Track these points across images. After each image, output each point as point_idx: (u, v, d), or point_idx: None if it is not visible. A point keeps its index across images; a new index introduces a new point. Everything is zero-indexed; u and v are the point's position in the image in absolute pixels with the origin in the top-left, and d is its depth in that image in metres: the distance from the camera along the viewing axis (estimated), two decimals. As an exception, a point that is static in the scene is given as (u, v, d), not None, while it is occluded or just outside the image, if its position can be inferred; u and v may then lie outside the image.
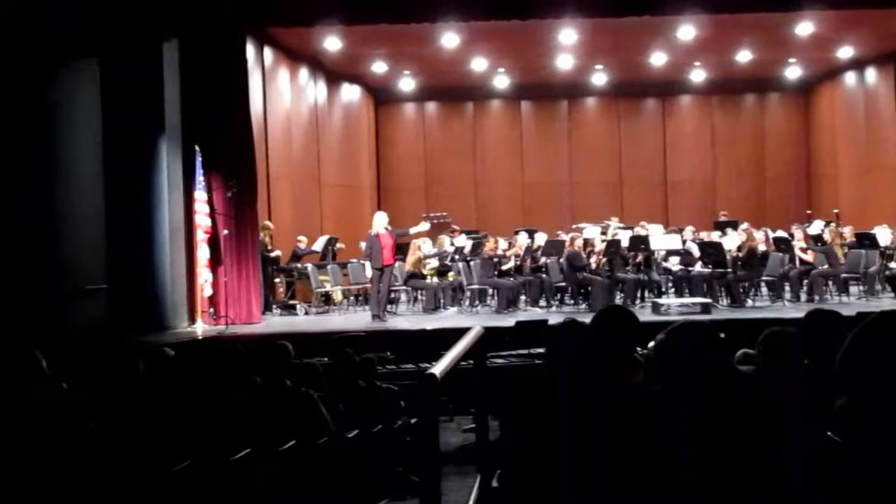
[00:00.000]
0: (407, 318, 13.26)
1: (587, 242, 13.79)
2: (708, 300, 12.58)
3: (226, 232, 12.59)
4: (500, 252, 14.07)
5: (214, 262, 12.52)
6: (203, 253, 12.28)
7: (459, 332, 4.50)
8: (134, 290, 11.54)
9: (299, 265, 14.53)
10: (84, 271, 10.79)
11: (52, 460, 4.25)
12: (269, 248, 14.32)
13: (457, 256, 14.43)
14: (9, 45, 9.68)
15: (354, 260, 15.22)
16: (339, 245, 15.61)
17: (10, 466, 4.13)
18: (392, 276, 12.88)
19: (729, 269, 13.12)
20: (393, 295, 14.12)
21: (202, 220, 12.26)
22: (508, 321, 11.03)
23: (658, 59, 17.75)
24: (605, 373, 3.25)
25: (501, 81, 20.09)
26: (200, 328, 12.01)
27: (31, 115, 10.06)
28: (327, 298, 14.60)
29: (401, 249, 14.91)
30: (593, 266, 13.37)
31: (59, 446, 4.36)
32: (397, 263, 14.49)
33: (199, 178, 12.23)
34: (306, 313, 14.01)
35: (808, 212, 18.54)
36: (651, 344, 4.83)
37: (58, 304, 10.21)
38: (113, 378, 5.70)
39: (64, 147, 10.71)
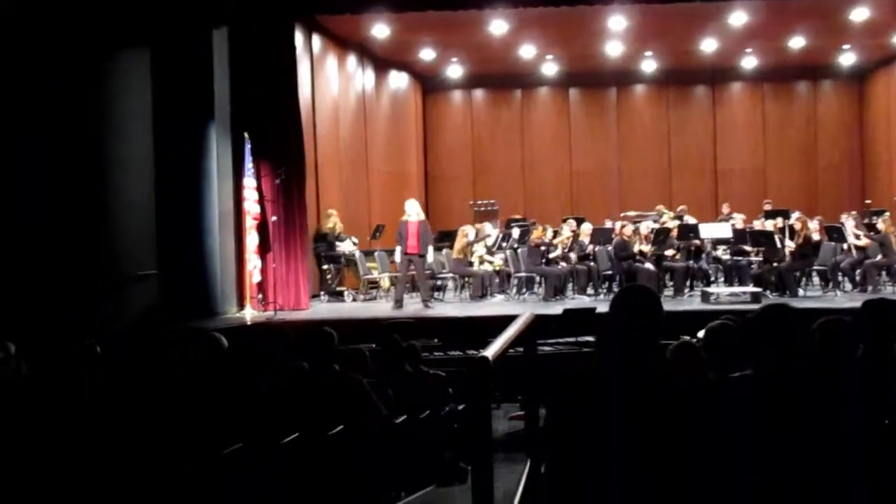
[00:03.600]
0: (454, 305, 13.24)
1: (636, 231, 13.66)
2: (758, 289, 12.41)
3: (274, 218, 12.66)
4: (547, 240, 14.00)
5: (263, 249, 12.60)
6: (252, 239, 12.36)
7: (506, 320, 4.47)
8: (184, 276, 11.64)
9: (347, 251, 14.57)
10: (135, 257, 10.92)
11: (106, 444, 4.31)
12: (339, 234, 14.59)
13: (504, 244, 14.38)
14: (61, 35, 9.81)
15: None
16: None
17: (64, 450, 4.19)
18: (423, 266, 12.76)
19: (780, 259, 12.93)
20: (439, 282, 14.13)
21: (251, 206, 12.34)
22: (556, 309, 10.98)
23: (709, 45, 17.51)
24: (647, 359, 3.20)
25: (550, 68, 19.95)
26: (249, 314, 12.10)
27: (84, 104, 10.18)
28: (374, 285, 14.60)
29: (448, 237, 14.92)
30: (641, 254, 13.24)
31: (113, 429, 4.42)
32: (444, 251, 14.51)
33: (248, 165, 12.30)
34: (354, 300, 14.04)
35: (868, 201, 18.15)
36: (701, 333, 4.76)
37: (110, 290, 10.35)
38: (164, 363, 5.77)
39: (115, 134, 10.83)
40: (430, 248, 12.71)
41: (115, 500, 4.04)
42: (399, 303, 12.64)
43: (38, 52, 9.62)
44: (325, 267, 14.58)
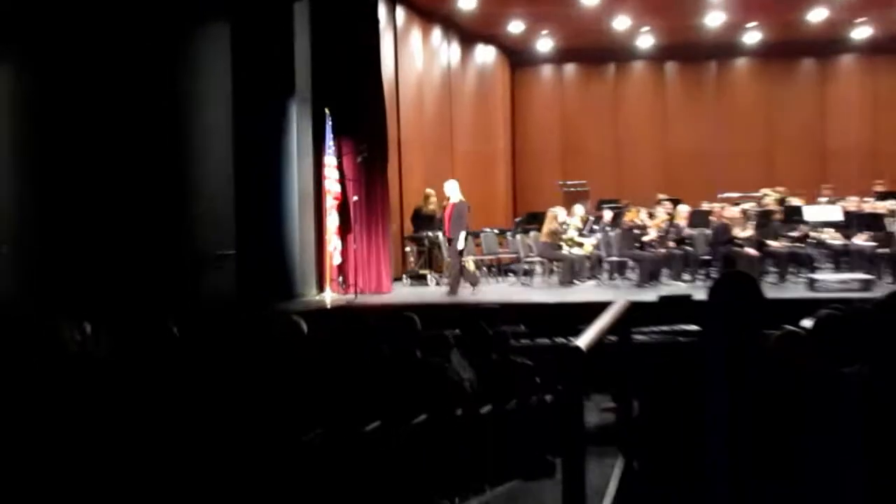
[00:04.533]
0: (542, 290, 13.17)
1: (739, 213, 13.39)
2: (870, 276, 12.05)
3: (356, 198, 12.74)
4: (641, 222, 13.82)
5: (344, 230, 12.71)
6: (332, 220, 12.48)
7: (597, 307, 4.40)
8: (263, 256, 11.79)
9: (430, 234, 14.60)
10: (214, 237, 11.08)
11: (183, 427, 4.38)
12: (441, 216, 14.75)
13: (595, 227, 14.24)
14: (140, 10, 9.97)
15: (488, 229, 15.21)
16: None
17: (140, 433, 4.27)
18: (452, 251, 12.63)
19: (891, 244, 12.53)
20: (527, 266, 14.08)
21: (332, 185, 12.44)
22: (650, 295, 10.85)
23: (817, 15, 17.02)
24: (750, 349, 3.12)
25: (645, 41, 19.64)
26: (329, 297, 12.24)
27: (162, 80, 10.35)
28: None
29: (536, 219, 14.85)
30: (741, 238, 12.97)
31: (190, 413, 4.49)
32: (532, 234, 14.44)
33: (329, 142, 12.40)
34: (437, 284, 14.08)
35: None
36: (807, 322, 4.63)
37: (188, 270, 10.52)
38: (243, 347, 5.84)
39: (194, 111, 10.98)
40: (462, 234, 12.41)
41: (195, 484, 4.11)
42: (452, 290, 12.62)
43: (115, 28, 9.80)
44: (407, 249, 14.64)
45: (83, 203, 9.61)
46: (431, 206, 14.71)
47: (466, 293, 13.05)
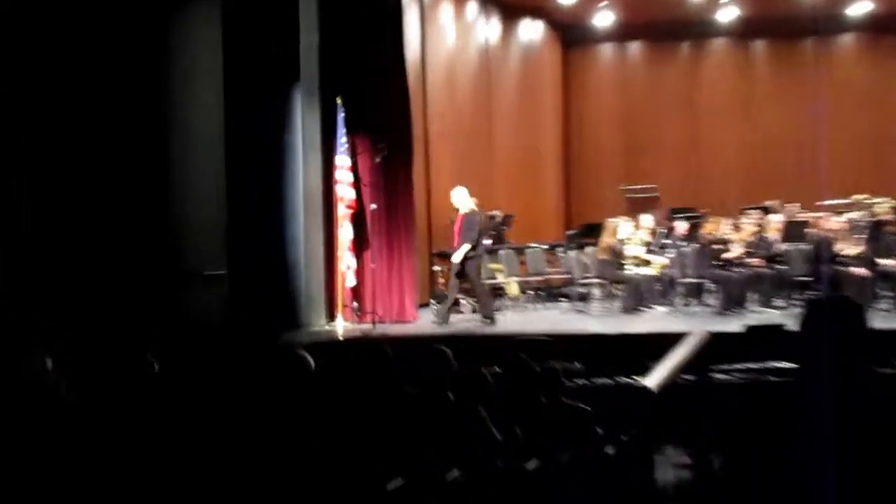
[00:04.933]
0: (601, 319, 13.11)
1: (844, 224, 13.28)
2: None
3: (374, 206, 12.78)
4: (722, 236, 13.74)
5: (359, 245, 12.76)
6: (346, 232, 12.52)
7: (669, 339, 4.38)
8: (260, 277, 11.83)
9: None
10: (201, 254, 11.16)
11: (163, 483, 4.39)
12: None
13: (666, 241, 14.18)
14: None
15: (535, 244, 15.22)
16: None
17: (110, 489, 4.29)
18: (454, 270, 12.62)
19: None
20: (583, 289, 14.03)
21: (345, 191, 12.49)
22: (734, 325, 10.80)
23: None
24: (860, 393, 3.09)
25: (728, 14, 19.58)
26: (341, 327, 12.29)
27: (142, 68, 10.44)
28: (499, 292, 14.63)
29: (592, 231, 14.81)
30: (848, 255, 12.86)
31: (169, 466, 4.50)
32: (588, 249, 14.39)
33: (342, 139, 12.47)
34: (473, 311, 14.05)
35: None
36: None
37: (170, 293, 10.58)
38: (237, 387, 5.85)
39: (180, 104, 11.06)
40: (463, 248, 12.39)
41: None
42: (491, 318, 12.60)
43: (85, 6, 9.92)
44: (435, 268, 14.66)
45: (43, 212, 9.69)
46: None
47: (511, 320, 13.03)
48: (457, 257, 12.37)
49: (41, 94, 9.75)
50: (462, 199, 12.67)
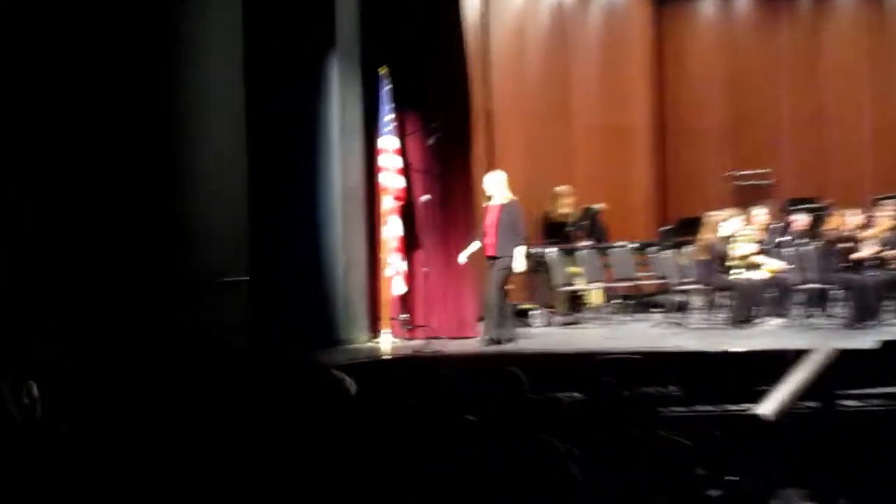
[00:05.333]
0: (702, 333, 12.96)
1: None
2: None
3: (426, 197, 12.75)
4: (851, 232, 13.52)
5: (409, 244, 12.77)
6: (392, 230, 12.54)
7: (787, 357, 4.21)
8: (289, 285, 11.88)
9: (535, 249, 14.51)
10: (217, 257, 11.05)
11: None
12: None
13: (782, 238, 13.99)
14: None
15: (622, 243, 15.21)
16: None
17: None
18: (498, 277, 12.36)
19: None
20: (680, 298, 13.86)
21: (391, 179, 12.51)
22: (866, 340, 10.64)
23: None
24: None
25: (856, -38, 19.36)
26: (388, 343, 12.33)
27: (147, 36, 10.38)
28: (578, 301, 14.60)
29: (690, 226, 14.63)
30: None
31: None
32: (687, 249, 14.20)
33: (387, 117, 12.48)
34: (547, 324, 13.98)
35: None
36: None
37: (181, 304, 10.50)
38: (261, 418, 5.80)
39: (191, 77, 10.98)
40: (518, 251, 12.21)
41: None
42: (493, 340, 12.36)
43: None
44: None
45: (31, 208, 9.67)
46: (565, 209, 14.95)
47: (594, 336, 12.95)
48: (518, 264, 12.24)
49: (35, 69, 9.74)
50: (499, 187, 12.47)
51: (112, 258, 9.94)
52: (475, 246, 12.46)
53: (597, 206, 15.92)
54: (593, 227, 15.66)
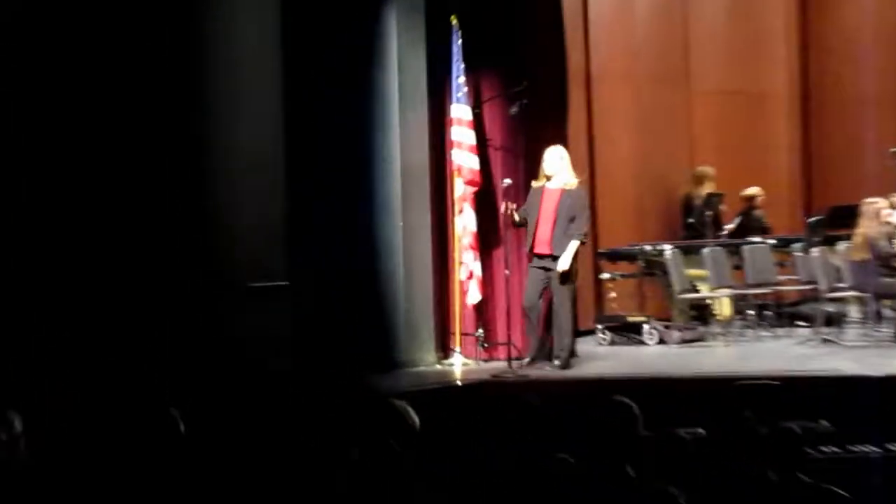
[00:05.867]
0: (859, 352, 12.88)
1: None
2: None
3: (508, 181, 12.68)
4: None
5: (486, 241, 12.82)
6: (466, 222, 12.58)
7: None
8: (337, 292, 12.00)
9: (649, 247, 14.47)
10: (249, 257, 11.14)
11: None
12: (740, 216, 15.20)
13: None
14: None
15: (757, 239, 15.21)
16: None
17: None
18: (564, 282, 12.12)
19: None
20: (832, 307, 13.77)
21: (464, 158, 12.55)
22: None
23: None
24: None
25: None
26: (460, 365, 12.41)
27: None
28: (702, 312, 14.64)
29: (845, 217, 14.49)
30: None
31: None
32: (841, 246, 14.10)
33: (459, 79, 12.56)
34: (663, 341, 13.99)
35: None
36: None
37: (205, 313, 10.56)
38: (302, 457, 5.84)
39: (218, 37, 11.05)
40: (572, 246, 12.01)
41: None
42: (535, 359, 12.24)
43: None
44: (603, 276, 14.77)
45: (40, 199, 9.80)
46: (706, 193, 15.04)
47: (723, 357, 12.90)
48: (564, 262, 11.97)
49: (57, 49, 9.91)
50: (563, 165, 12.26)
51: (114, 261, 10.03)
52: (573, 246, 12.01)
53: (718, 193, 16.00)
54: (716, 219, 15.76)
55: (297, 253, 11.52)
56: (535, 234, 12.15)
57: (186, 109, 10.62)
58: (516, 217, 12.18)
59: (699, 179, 15.41)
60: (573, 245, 12.01)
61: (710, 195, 15.75)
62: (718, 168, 16.71)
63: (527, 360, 12.26)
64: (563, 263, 11.99)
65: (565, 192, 12.18)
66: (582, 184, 12.53)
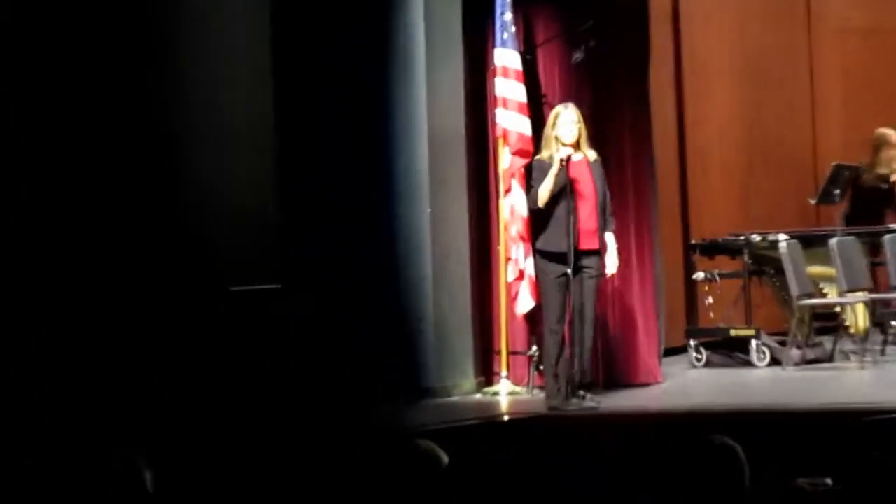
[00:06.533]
0: None
1: None
2: None
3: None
4: None
5: None
6: (515, 202, 12.63)
7: None
8: (347, 299, 12.04)
9: (758, 237, 14.49)
10: (233, 256, 11.36)
11: None
12: None
13: None
14: None
15: None
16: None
17: None
18: (594, 288, 12.01)
19: None
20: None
21: (511, 120, 12.63)
22: None
23: None
24: None
25: None
26: (506, 394, 12.49)
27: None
28: (827, 319, 14.67)
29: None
30: None
31: None
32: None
33: (503, 15, 12.60)
34: (774, 361, 14.02)
35: None
36: None
37: (173, 326, 10.68)
38: None
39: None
40: (612, 240, 12.05)
41: None
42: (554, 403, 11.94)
43: None
44: (698, 276, 14.81)
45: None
46: (883, 170, 15.05)
47: (855, 382, 12.93)
48: (613, 261, 12.09)
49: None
50: (583, 130, 12.03)
51: (69, 262, 10.16)
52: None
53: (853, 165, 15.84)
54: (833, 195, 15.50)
55: (293, 248, 11.74)
56: (569, 225, 11.80)
57: (151, 73, 10.89)
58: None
59: (879, 145, 15.25)
60: (612, 237, 12.13)
61: (837, 167, 15.56)
62: (847, 131, 16.74)
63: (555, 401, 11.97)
64: (615, 259, 12.13)
65: (593, 165, 12.16)
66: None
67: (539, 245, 12.04)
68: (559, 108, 12.24)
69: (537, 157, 12.15)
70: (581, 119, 12.08)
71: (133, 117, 10.56)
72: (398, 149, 12.55)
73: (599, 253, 12.01)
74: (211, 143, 11.32)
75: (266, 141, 11.63)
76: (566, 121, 12.02)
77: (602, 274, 12.14)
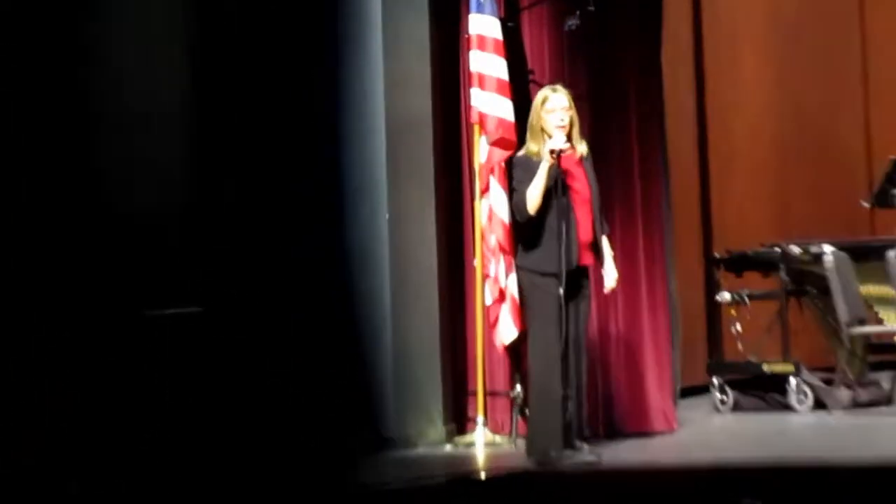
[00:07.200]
0: None
1: None
2: None
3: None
4: None
5: None
6: (494, 205, 13.11)
7: None
8: (277, 324, 12.43)
9: (798, 249, 14.95)
10: (144, 274, 11.84)
11: None
12: None
13: None
14: None
15: None
16: None
17: None
18: (587, 308, 12.52)
19: None
20: None
21: (489, 102, 13.10)
22: None
23: None
24: None
25: None
26: (483, 445, 12.99)
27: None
28: (881, 349, 15.18)
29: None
30: None
31: None
32: None
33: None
34: (818, 404, 14.46)
35: None
36: None
37: (79, 354, 11.18)
38: None
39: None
40: (608, 247, 12.54)
41: None
42: (544, 458, 12.24)
43: None
44: (722, 297, 15.21)
45: None
46: None
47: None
48: (613, 275, 12.49)
49: None
50: (575, 119, 12.52)
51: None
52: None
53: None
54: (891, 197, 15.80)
55: (215, 264, 12.15)
56: (568, 238, 12.10)
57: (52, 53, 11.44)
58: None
59: None
60: (607, 243, 12.58)
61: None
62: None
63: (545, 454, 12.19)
64: (614, 272, 12.51)
65: (585, 162, 12.63)
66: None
67: (528, 265, 12.28)
68: (546, 92, 12.50)
69: (520, 153, 12.44)
70: (573, 105, 12.37)
71: (22, 105, 11.05)
72: (348, 138, 13.05)
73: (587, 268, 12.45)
74: (115, 132, 11.73)
75: (183, 129, 12.15)
76: (555, 106, 12.33)
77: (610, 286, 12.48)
